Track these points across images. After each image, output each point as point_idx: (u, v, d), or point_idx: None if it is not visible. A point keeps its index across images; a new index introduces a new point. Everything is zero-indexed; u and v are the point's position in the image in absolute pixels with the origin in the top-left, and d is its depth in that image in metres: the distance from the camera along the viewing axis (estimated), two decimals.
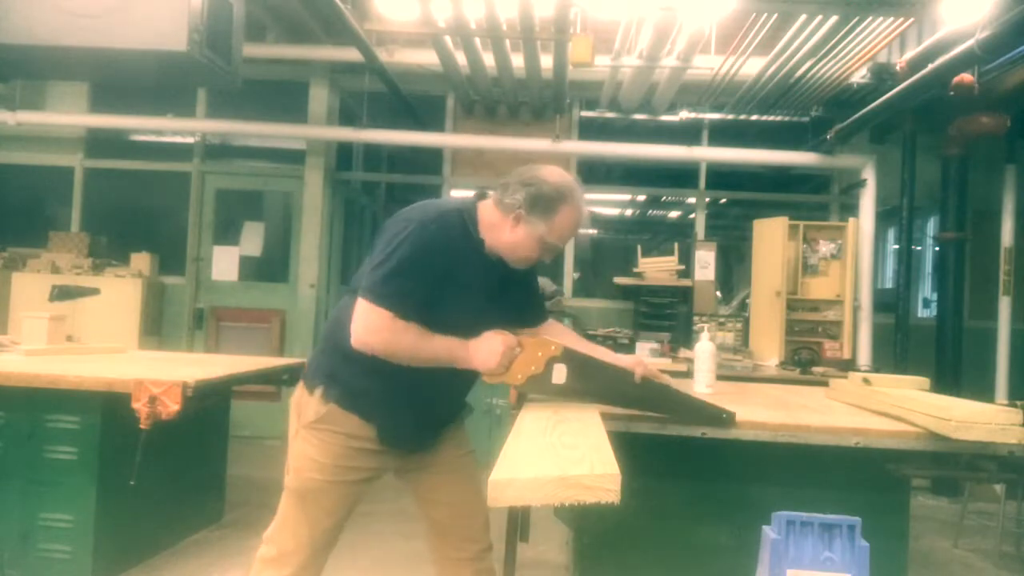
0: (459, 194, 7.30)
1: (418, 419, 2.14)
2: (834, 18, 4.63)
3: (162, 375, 3.06)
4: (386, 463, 2.16)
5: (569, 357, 2.13)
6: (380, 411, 2.08)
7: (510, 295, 2.17)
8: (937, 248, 6.35)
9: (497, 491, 1.50)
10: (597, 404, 2.21)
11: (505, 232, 2.04)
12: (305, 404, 2.10)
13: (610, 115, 6.92)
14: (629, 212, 9.73)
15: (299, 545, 2.09)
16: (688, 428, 2.27)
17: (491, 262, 2.08)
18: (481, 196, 2.14)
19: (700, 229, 7.21)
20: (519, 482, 1.51)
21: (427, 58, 6.02)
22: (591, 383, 2.19)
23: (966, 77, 4.74)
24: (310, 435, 2.08)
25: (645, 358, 5.65)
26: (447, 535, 2.26)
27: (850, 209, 6.64)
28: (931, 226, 7.34)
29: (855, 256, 6.11)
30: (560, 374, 2.12)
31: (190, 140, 7.30)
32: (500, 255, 2.08)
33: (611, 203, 9.11)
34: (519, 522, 2.27)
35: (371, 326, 1.93)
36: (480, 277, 2.05)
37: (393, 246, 1.94)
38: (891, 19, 4.62)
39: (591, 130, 7.22)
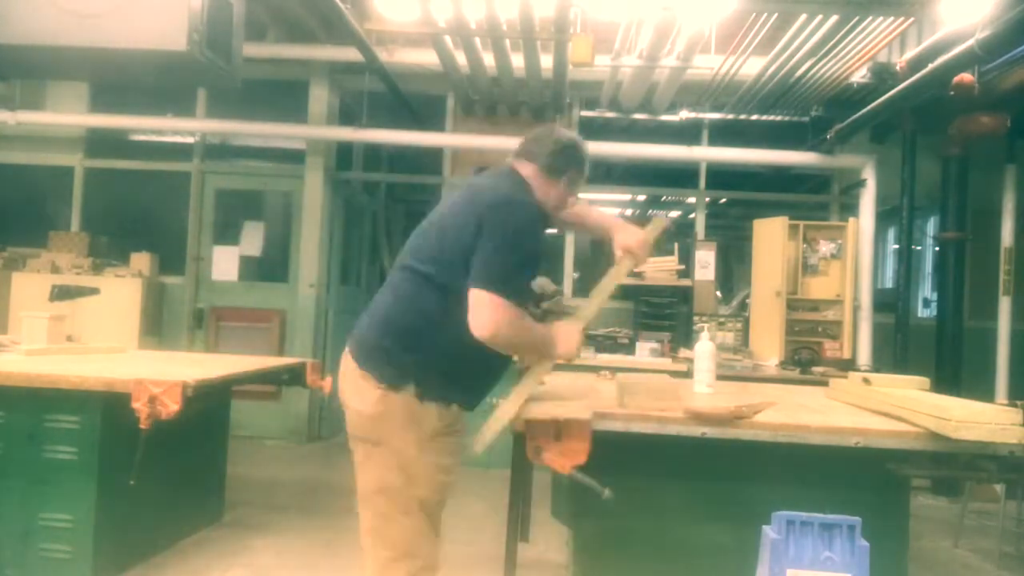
0: None
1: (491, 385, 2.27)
2: (834, 18, 4.63)
3: (162, 375, 3.06)
4: None
5: None
6: (473, 392, 2.18)
7: None
8: (937, 248, 6.35)
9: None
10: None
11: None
12: (420, 412, 2.05)
13: (610, 115, 6.91)
14: (629, 212, 9.72)
15: (436, 550, 2.11)
16: (688, 428, 2.27)
17: None
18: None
19: (700, 229, 7.21)
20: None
21: (427, 58, 6.02)
22: None
23: (966, 77, 4.73)
24: (434, 444, 2.07)
25: (645, 358, 5.72)
26: None
27: (850, 209, 6.63)
28: (931, 226, 7.34)
29: (855, 256, 6.11)
30: None
31: (190, 140, 7.30)
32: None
33: (611, 203, 9.10)
34: (519, 522, 2.27)
35: (501, 319, 1.94)
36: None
37: (520, 236, 2.00)
38: (891, 19, 4.62)
39: (591, 130, 7.20)
